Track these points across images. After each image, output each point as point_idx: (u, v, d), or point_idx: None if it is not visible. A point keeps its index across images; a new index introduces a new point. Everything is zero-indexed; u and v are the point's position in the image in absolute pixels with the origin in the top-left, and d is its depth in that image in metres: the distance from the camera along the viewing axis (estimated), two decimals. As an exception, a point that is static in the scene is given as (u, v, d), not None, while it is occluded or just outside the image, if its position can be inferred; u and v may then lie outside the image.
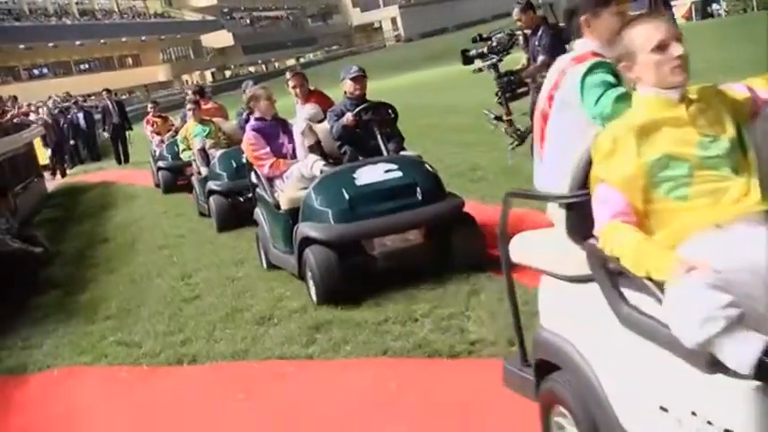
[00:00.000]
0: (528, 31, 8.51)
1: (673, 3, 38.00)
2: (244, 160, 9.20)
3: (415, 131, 13.00)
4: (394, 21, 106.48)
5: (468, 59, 8.43)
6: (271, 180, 7.14)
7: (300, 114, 7.82)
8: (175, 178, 14.29)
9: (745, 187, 2.48)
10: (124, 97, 39.35)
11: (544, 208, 3.22)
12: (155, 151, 16.10)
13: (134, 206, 13.98)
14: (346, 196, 6.14)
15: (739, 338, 2.08)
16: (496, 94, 8.47)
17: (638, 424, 2.51)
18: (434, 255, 6.22)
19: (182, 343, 5.87)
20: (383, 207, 6.08)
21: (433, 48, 65.06)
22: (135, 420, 4.79)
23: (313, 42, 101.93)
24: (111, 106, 21.72)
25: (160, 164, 14.95)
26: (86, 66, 71.34)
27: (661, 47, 2.61)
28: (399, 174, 6.31)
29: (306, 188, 6.54)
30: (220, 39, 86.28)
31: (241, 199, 9.68)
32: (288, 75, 8.63)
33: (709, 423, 2.20)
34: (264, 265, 7.43)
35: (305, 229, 6.15)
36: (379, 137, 6.87)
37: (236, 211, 9.76)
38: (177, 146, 13.07)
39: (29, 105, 23.82)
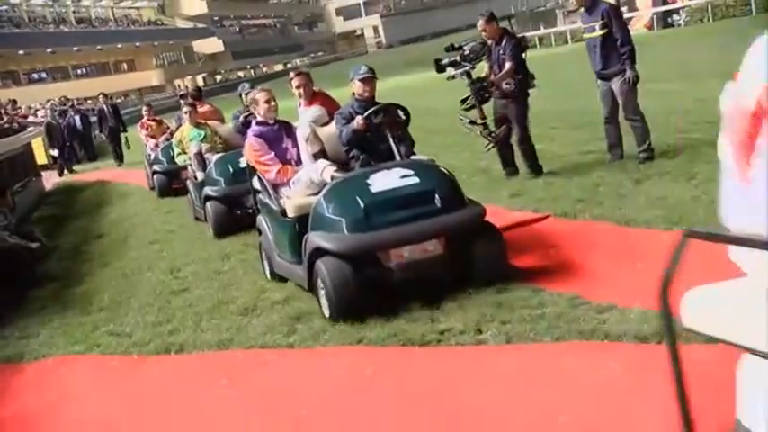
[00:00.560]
0: (491, 42, 8.54)
1: (635, 13, 38.53)
2: (242, 165, 8.75)
3: (423, 133, 13.07)
4: (375, 29, 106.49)
5: (440, 68, 8.41)
6: (276, 186, 6.41)
7: (304, 117, 7.20)
8: (170, 182, 13.42)
9: None
10: (119, 101, 39.09)
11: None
12: (149, 155, 15.17)
13: (127, 204, 13.93)
14: (361, 204, 5.46)
15: None
16: (462, 102, 8.44)
17: None
18: (454, 266, 5.52)
19: (170, 333, 5.85)
20: (400, 216, 5.41)
21: (412, 54, 64.99)
22: (125, 406, 4.79)
23: (299, 49, 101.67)
24: (107, 109, 21.63)
25: (155, 168, 14.04)
26: (83, 71, 70.93)
27: None
28: (416, 180, 5.63)
29: (314, 195, 5.94)
30: (211, 45, 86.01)
31: (240, 212, 9.10)
32: (292, 74, 7.93)
33: None
34: (268, 275, 6.73)
35: (316, 239, 5.47)
36: (391, 140, 6.32)
37: (233, 217, 9.14)
38: (172, 150, 12.39)
39: (28, 108, 23.63)
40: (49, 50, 64.54)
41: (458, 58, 8.23)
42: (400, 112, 6.60)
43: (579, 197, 7.47)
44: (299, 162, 6.46)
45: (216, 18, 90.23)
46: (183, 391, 4.87)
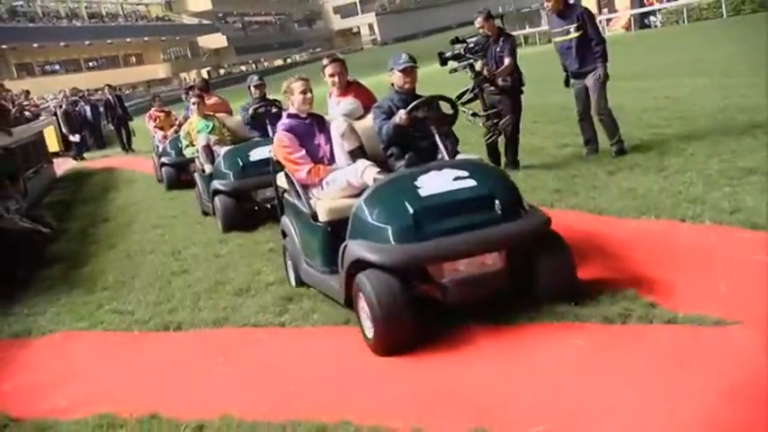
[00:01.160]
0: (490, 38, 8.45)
1: (614, 15, 38.44)
2: (252, 158, 8.50)
3: None
4: (371, 26, 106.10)
5: (443, 61, 8.30)
6: (305, 186, 5.49)
7: (336, 110, 6.23)
8: (179, 174, 12.61)
9: None
10: (128, 92, 38.95)
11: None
12: (157, 147, 14.29)
13: (133, 190, 13.88)
14: (409, 210, 4.48)
15: None
16: (459, 96, 8.30)
17: None
18: (516, 283, 4.58)
19: (169, 311, 5.86)
20: (455, 224, 4.42)
21: (406, 50, 64.81)
22: (126, 379, 4.80)
23: (298, 45, 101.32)
24: (112, 100, 21.52)
25: (163, 160, 13.16)
26: (94, 63, 70.69)
27: None
28: (472, 182, 4.63)
29: (350, 197, 5.12)
30: (215, 40, 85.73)
31: (250, 207, 8.48)
32: (325, 60, 6.61)
33: None
34: (293, 282, 5.85)
35: (357, 248, 4.54)
36: (437, 137, 5.31)
37: (243, 211, 8.43)
38: (180, 142, 11.70)
39: (42, 99, 23.54)
40: (62, 44, 64.60)
41: (461, 51, 8.02)
42: (447, 106, 5.69)
43: (556, 188, 7.49)
44: (331, 160, 5.52)
45: (220, 15, 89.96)
46: (180, 365, 4.87)
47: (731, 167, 6.85)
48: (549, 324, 4.36)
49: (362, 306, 4.42)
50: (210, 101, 11.05)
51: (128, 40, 73.44)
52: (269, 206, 8.06)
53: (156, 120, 14.82)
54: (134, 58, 76.53)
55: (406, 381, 3.99)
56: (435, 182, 4.67)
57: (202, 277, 6.69)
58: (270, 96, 9.82)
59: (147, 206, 11.49)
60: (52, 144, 20.62)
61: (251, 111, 9.27)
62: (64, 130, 21.60)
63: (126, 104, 22.94)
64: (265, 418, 3.77)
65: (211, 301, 5.96)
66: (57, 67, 65.73)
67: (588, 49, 8.31)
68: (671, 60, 17.69)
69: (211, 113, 10.15)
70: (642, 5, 36.05)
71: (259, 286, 6.09)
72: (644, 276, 4.81)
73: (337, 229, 5.04)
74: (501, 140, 8.65)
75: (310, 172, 5.38)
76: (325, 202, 5.25)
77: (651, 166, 7.58)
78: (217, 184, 8.65)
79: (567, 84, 8.80)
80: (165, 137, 14.06)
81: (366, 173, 5.07)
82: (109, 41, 70.64)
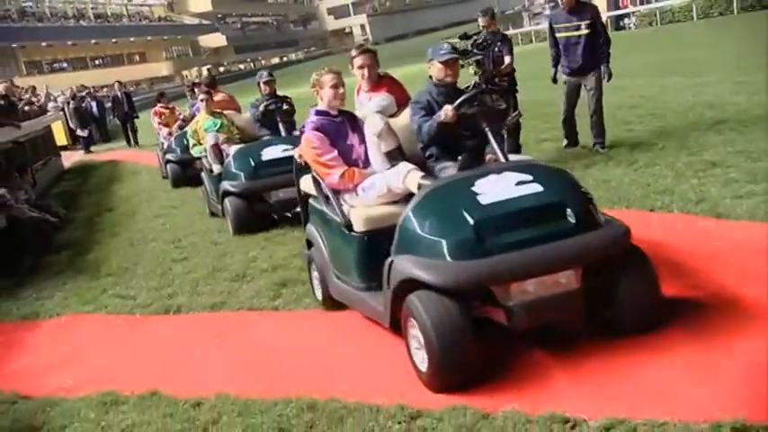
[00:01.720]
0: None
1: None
2: (263, 157, 7.62)
3: None
4: (363, 27, 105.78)
5: None
6: (336, 192, 4.60)
7: (367, 107, 5.33)
8: (184, 171, 11.78)
9: None
10: (131, 89, 38.74)
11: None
12: (162, 143, 13.47)
13: (137, 181, 13.85)
14: (469, 220, 3.63)
15: None
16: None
17: None
18: (592, 306, 3.68)
19: (169, 296, 5.88)
20: (523, 236, 3.55)
21: (396, 50, 64.57)
22: (128, 359, 4.81)
23: (294, 44, 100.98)
24: (120, 96, 21.40)
25: (168, 156, 12.34)
26: (100, 61, 70.34)
27: None
28: (538, 187, 3.77)
29: (389, 204, 4.37)
30: (215, 40, 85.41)
31: (262, 209, 7.62)
32: (354, 51, 5.59)
33: None
34: (319, 297, 5.01)
35: (406, 266, 3.70)
36: (490, 137, 4.37)
37: (254, 213, 7.58)
38: (186, 139, 10.69)
39: (48, 96, 23.40)
40: (69, 43, 64.45)
41: (469, 47, 7.81)
42: (500, 101, 4.73)
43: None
44: (366, 163, 4.65)
45: (220, 15, 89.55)
46: (179, 346, 4.89)
47: (698, 160, 6.89)
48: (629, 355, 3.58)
49: (414, 334, 3.62)
50: (218, 97, 9.96)
51: (131, 39, 73.21)
52: (290, 214, 7.37)
53: (160, 116, 14.12)
54: (137, 57, 76.14)
55: (391, 361, 3.99)
56: (496, 187, 3.81)
57: (201, 264, 6.69)
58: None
59: (150, 197, 11.47)
60: (60, 138, 20.59)
61: (261, 108, 8.37)
62: (72, 124, 21.59)
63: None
64: (259, 396, 3.78)
65: (209, 286, 5.96)
66: (64, 64, 65.39)
67: (595, 47, 8.03)
68: (644, 61, 17.66)
69: (219, 111, 9.15)
70: (617, 8, 36.04)
71: (254, 272, 6.09)
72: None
73: (375, 241, 4.22)
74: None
75: (344, 176, 4.51)
76: (362, 211, 4.40)
77: (623, 159, 7.60)
78: (227, 185, 7.71)
79: (554, 80, 8.55)
80: (170, 133, 13.26)
81: (409, 177, 4.25)
82: (114, 40, 70.44)
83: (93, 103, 23.96)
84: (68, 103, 22.19)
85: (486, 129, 4.40)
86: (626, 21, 35.20)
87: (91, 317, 5.81)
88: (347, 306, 4.65)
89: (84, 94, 25.04)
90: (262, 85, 8.65)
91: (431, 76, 4.78)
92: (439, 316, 3.45)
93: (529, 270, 3.52)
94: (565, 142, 8.77)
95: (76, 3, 69.38)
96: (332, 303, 4.81)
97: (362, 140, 4.67)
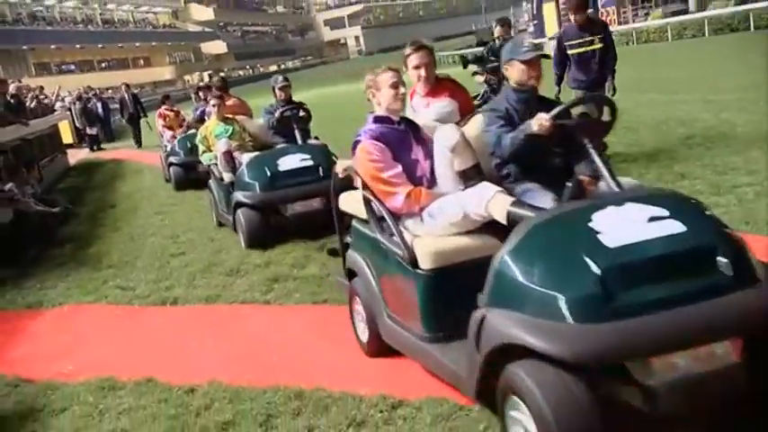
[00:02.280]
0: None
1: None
2: (280, 167, 6.76)
3: None
4: (357, 38, 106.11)
5: (466, 63, 7.78)
6: (396, 216, 3.57)
7: (425, 114, 4.30)
8: (187, 174, 11.13)
9: None
10: (136, 91, 38.71)
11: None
12: (166, 146, 12.68)
13: (139, 179, 13.78)
14: (594, 269, 2.54)
15: None
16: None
17: None
18: (753, 385, 2.57)
19: (166, 288, 5.88)
20: (665, 293, 2.47)
21: (388, 60, 64.19)
22: (126, 347, 4.81)
23: (291, 53, 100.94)
24: (128, 98, 21.18)
25: (172, 159, 11.62)
26: (106, 64, 70.18)
27: None
28: (679, 226, 2.65)
29: (464, 235, 3.36)
30: (216, 47, 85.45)
31: (277, 221, 6.78)
32: (409, 49, 4.44)
33: None
34: (363, 338, 4.00)
35: (507, 325, 2.64)
36: (594, 156, 3.32)
37: (269, 226, 6.73)
38: (188, 141, 10.80)
39: (56, 96, 23.27)
40: (77, 46, 64.63)
41: (485, 53, 7.48)
42: (606, 111, 3.68)
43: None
44: (431, 181, 3.62)
45: (221, 24, 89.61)
46: (175, 336, 4.89)
47: (667, 172, 6.95)
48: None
49: (518, 417, 2.59)
50: (229, 102, 8.88)
51: (137, 44, 73.36)
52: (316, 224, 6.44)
53: (165, 118, 13.41)
54: (142, 61, 76.01)
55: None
56: (622, 224, 2.70)
57: (197, 259, 6.69)
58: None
59: (151, 194, 11.44)
60: (66, 136, 20.50)
61: (277, 114, 7.46)
62: (78, 124, 21.53)
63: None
64: (249, 384, 3.80)
65: (205, 279, 5.97)
66: (72, 66, 65.16)
67: (606, 61, 7.64)
68: (620, 77, 17.77)
69: (231, 116, 8.20)
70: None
71: (248, 268, 6.09)
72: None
73: (446, 281, 3.28)
74: None
75: (409, 197, 3.49)
76: (429, 242, 3.36)
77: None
78: (240, 195, 6.83)
79: (557, 98, 8.12)
80: (173, 136, 12.50)
81: (495, 202, 3.20)
82: (120, 45, 70.62)
83: (99, 104, 23.85)
84: (75, 103, 22.10)
85: (588, 144, 3.34)
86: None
87: (92, 307, 5.80)
88: (400, 352, 3.70)
89: (90, 95, 24.92)
90: (277, 90, 7.74)
91: (506, 79, 3.82)
92: (558, 397, 2.42)
93: (679, 338, 2.44)
94: None
95: (85, 8, 69.35)
96: (381, 348, 3.83)
97: (428, 154, 3.66)
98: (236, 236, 7.13)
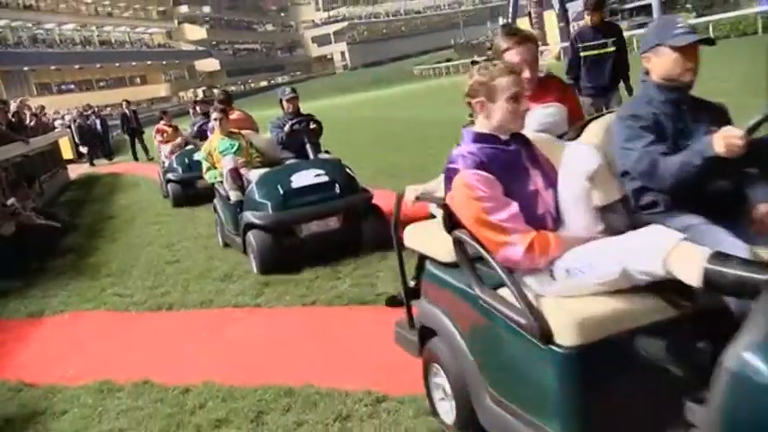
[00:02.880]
0: None
1: (546, 47, 38.74)
2: (294, 185, 5.97)
3: (371, 138, 13.06)
4: (343, 53, 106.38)
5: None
6: (509, 268, 2.38)
7: (528, 122, 2.78)
8: (185, 191, 10.48)
9: None
10: (134, 108, 38.61)
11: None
12: (164, 162, 11.99)
13: (136, 192, 13.70)
14: None
15: None
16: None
17: None
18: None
19: (162, 294, 5.85)
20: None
21: (373, 75, 64.83)
22: (124, 351, 4.78)
23: (281, 69, 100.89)
24: (128, 114, 21.04)
25: (170, 176, 10.88)
26: (104, 83, 70.04)
27: None
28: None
29: (613, 295, 2.23)
30: (209, 64, 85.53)
31: (290, 243, 5.93)
32: (506, 41, 3.13)
33: None
34: (447, 420, 2.89)
35: None
36: None
37: (283, 248, 5.86)
38: (186, 158, 10.35)
39: (55, 113, 23.22)
40: (76, 66, 64.43)
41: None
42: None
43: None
44: (557, 219, 2.49)
45: (214, 42, 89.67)
46: (170, 340, 4.87)
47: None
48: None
49: None
50: (233, 116, 7.94)
51: (133, 63, 73.38)
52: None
53: (162, 134, 12.89)
54: (139, 79, 75.84)
55: (361, 352, 4.02)
56: None
57: (192, 266, 6.66)
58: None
59: (148, 206, 11.37)
60: (67, 152, 20.41)
61: (287, 128, 6.64)
62: (77, 140, 21.45)
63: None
64: (241, 383, 3.78)
65: (199, 285, 5.94)
66: (72, 86, 64.99)
67: (620, 65, 7.16)
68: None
69: (236, 131, 7.28)
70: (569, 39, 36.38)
71: (240, 273, 6.07)
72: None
73: (596, 362, 2.15)
74: None
75: (532, 248, 2.34)
76: (571, 307, 2.23)
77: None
78: (250, 216, 5.99)
79: None
80: (171, 152, 11.80)
81: (678, 257, 2.09)
82: (117, 65, 70.68)
83: (98, 121, 23.76)
84: (75, 120, 22.01)
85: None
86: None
87: (91, 314, 5.76)
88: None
89: (89, 113, 24.82)
90: (284, 102, 6.91)
91: (647, 72, 2.69)
92: None
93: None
94: None
95: (84, 30, 69.24)
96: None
97: (549, 181, 2.51)
98: (240, 254, 6.44)
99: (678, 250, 2.08)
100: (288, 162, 6.67)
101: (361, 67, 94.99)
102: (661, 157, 2.51)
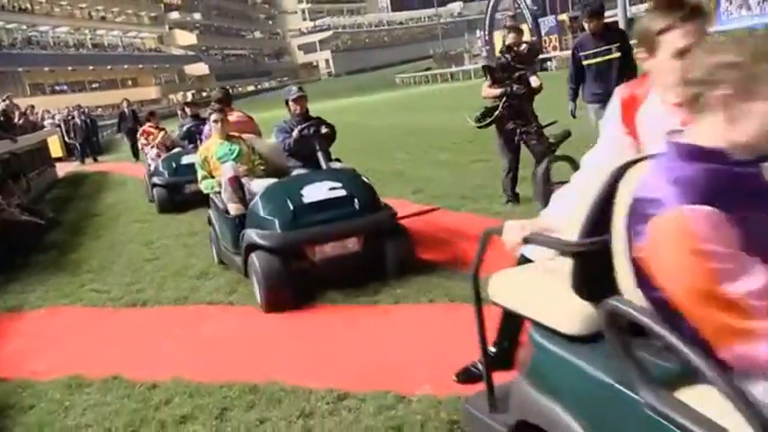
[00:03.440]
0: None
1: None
2: (305, 199, 4.92)
3: (359, 144, 12.99)
4: (327, 61, 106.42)
5: (491, 72, 6.60)
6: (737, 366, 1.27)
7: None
8: (171, 196, 9.59)
9: None
10: (133, 108, 38.21)
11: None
12: (149, 165, 10.98)
13: (122, 191, 13.46)
14: None
15: None
16: (480, 119, 6.50)
17: None
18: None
19: (138, 291, 5.73)
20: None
21: (356, 82, 64.77)
22: (96, 346, 4.67)
23: (268, 74, 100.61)
24: (127, 113, 20.59)
25: (155, 180, 9.92)
26: (96, 85, 69.31)
27: None
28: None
29: None
30: (199, 69, 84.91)
31: (312, 270, 4.85)
32: (665, 18, 1.95)
33: None
34: None
35: None
36: None
37: (293, 272, 4.74)
38: (173, 161, 9.62)
39: (46, 112, 22.89)
40: (69, 68, 63.70)
41: (510, 61, 6.39)
42: None
43: (463, 195, 7.53)
44: None
45: (203, 48, 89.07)
46: (145, 334, 4.76)
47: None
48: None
49: None
50: (233, 117, 6.75)
51: (125, 66, 72.76)
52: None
53: (147, 136, 11.65)
54: (130, 82, 75.07)
55: (326, 351, 3.94)
56: None
57: (170, 263, 6.54)
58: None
59: (132, 204, 11.17)
60: (56, 150, 20.12)
61: (295, 134, 5.62)
62: (68, 139, 21.16)
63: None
64: (208, 380, 3.69)
65: (175, 282, 5.82)
66: (64, 87, 64.25)
67: (626, 70, 6.31)
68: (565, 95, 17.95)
69: (236, 135, 6.16)
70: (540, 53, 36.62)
71: (216, 271, 5.96)
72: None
73: None
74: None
75: None
76: None
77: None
78: (254, 235, 4.87)
79: (573, 115, 6.94)
80: (158, 155, 10.79)
81: None
82: (109, 67, 69.90)
83: (88, 121, 23.46)
84: (65, 120, 21.72)
85: None
86: (548, 63, 35.71)
87: (68, 309, 5.63)
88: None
89: (77, 112, 24.50)
90: (291, 103, 5.84)
91: None
92: None
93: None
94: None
95: (77, 33, 68.59)
96: None
97: None
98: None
99: None
100: (296, 172, 5.61)
101: (345, 74, 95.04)
102: None
